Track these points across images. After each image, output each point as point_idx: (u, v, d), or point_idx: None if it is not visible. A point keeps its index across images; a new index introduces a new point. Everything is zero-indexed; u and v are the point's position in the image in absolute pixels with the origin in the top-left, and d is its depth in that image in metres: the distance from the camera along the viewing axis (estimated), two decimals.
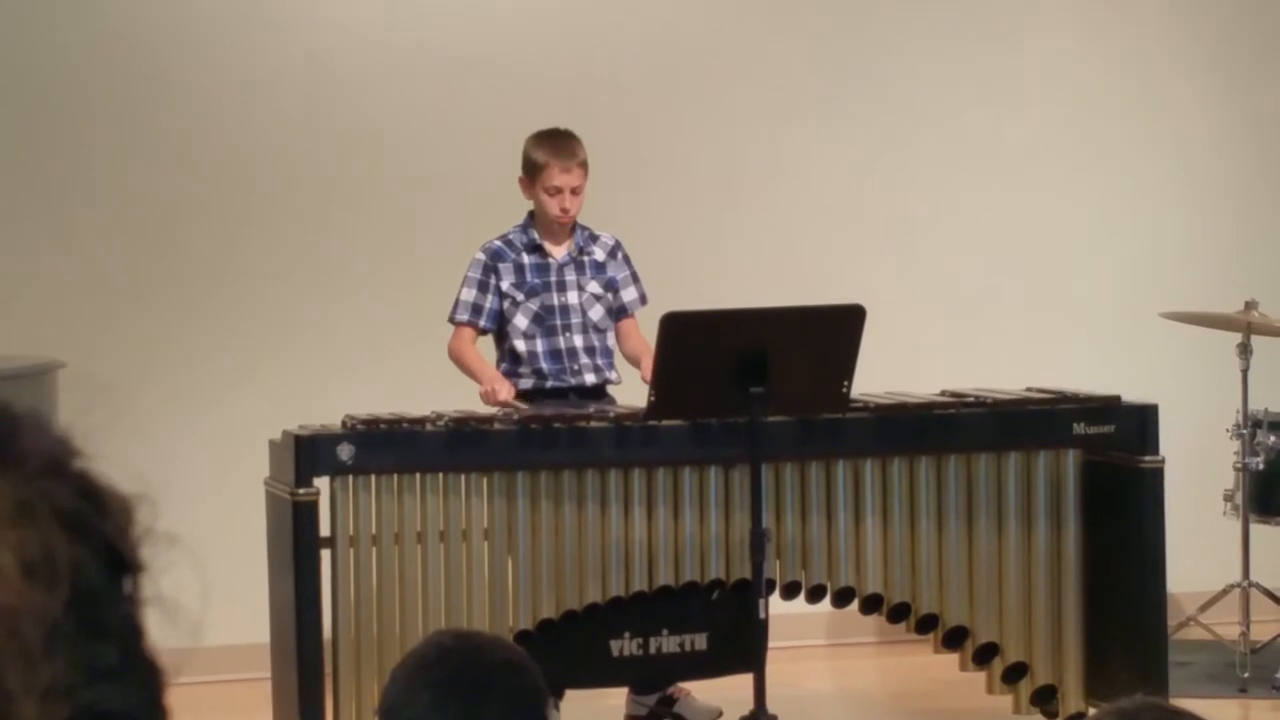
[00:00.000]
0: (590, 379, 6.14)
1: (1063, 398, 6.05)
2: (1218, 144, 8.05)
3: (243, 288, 7.27)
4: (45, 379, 6.22)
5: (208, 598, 0.98)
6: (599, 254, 6.25)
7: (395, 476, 5.54)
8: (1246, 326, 6.78)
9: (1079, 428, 5.94)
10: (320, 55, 7.31)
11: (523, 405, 5.86)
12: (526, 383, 6.11)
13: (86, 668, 0.84)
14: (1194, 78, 8.02)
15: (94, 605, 0.84)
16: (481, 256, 6.17)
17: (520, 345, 6.11)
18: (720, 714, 6.08)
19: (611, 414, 5.73)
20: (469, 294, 6.14)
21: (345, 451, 5.49)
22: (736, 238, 7.64)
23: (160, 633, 0.92)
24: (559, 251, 6.19)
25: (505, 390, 5.90)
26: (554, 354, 6.12)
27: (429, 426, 5.61)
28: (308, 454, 5.48)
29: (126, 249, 7.17)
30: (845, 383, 5.51)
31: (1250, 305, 6.80)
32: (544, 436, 5.64)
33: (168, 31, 7.20)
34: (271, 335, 7.27)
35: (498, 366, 6.16)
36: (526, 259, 6.16)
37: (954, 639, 5.96)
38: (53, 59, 7.11)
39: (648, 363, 6.07)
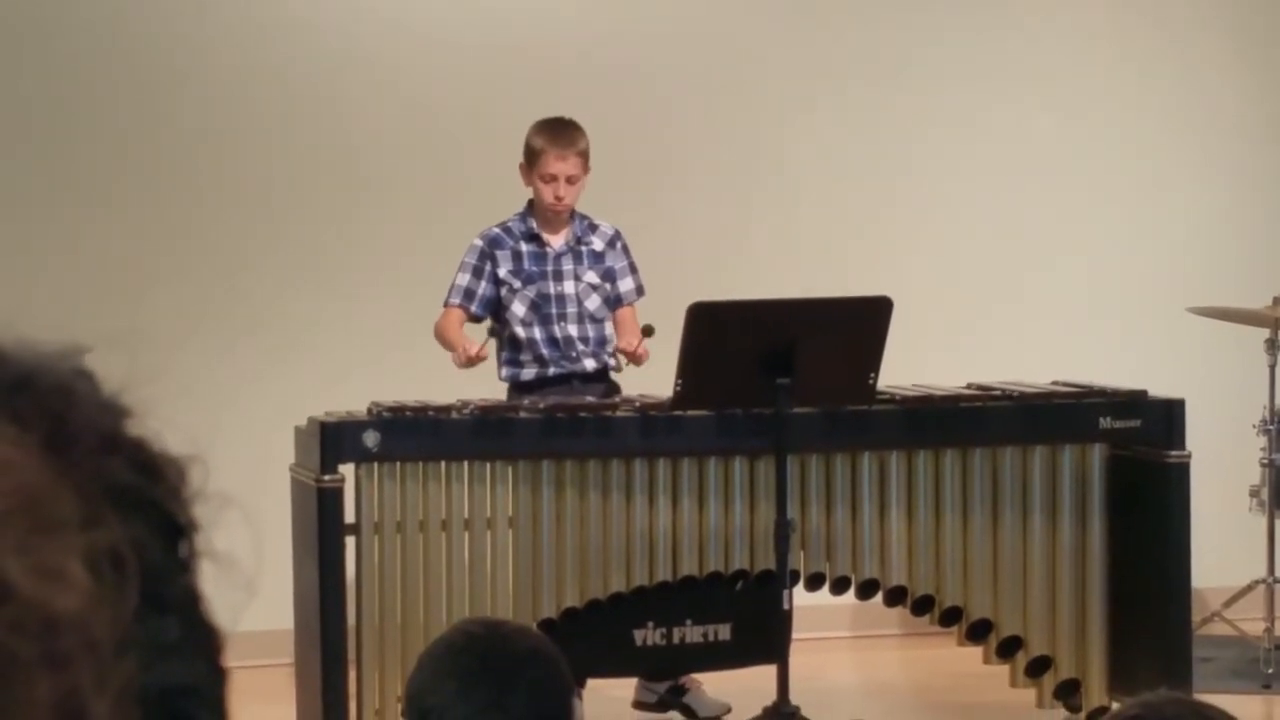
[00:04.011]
0: (590, 364, 6.15)
1: (1089, 392, 6.04)
2: (1248, 139, 8.02)
3: (268, 275, 7.27)
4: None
5: (259, 552, 0.98)
6: (597, 244, 6.25)
7: (421, 464, 5.55)
8: (1275, 322, 6.76)
9: (1105, 422, 5.93)
10: (343, 46, 7.31)
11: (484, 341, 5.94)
12: (530, 370, 6.13)
13: (150, 646, 0.84)
14: (1224, 72, 7.99)
15: (155, 582, 0.85)
16: (479, 243, 6.19)
17: (520, 332, 6.13)
18: (729, 710, 6.07)
19: (637, 403, 5.73)
20: (463, 279, 6.16)
21: (371, 439, 5.49)
22: (764, 229, 7.63)
23: (214, 588, 0.92)
24: (556, 240, 6.19)
25: (475, 346, 5.92)
26: (552, 341, 6.13)
27: (455, 414, 5.61)
28: (333, 441, 5.48)
29: (149, 237, 7.18)
30: (872, 375, 5.50)
31: (1279, 301, 6.78)
32: (569, 425, 5.64)
33: (188, 23, 7.20)
34: (297, 322, 7.28)
35: (499, 355, 6.19)
36: (524, 247, 6.17)
37: (978, 632, 5.95)
38: (72, 53, 7.12)
39: (625, 340, 6.05)
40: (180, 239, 7.21)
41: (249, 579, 0.92)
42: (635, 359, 6.02)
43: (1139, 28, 7.94)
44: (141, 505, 0.86)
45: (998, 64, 7.81)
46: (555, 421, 5.63)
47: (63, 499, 0.82)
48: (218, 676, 0.90)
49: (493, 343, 6.20)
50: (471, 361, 5.92)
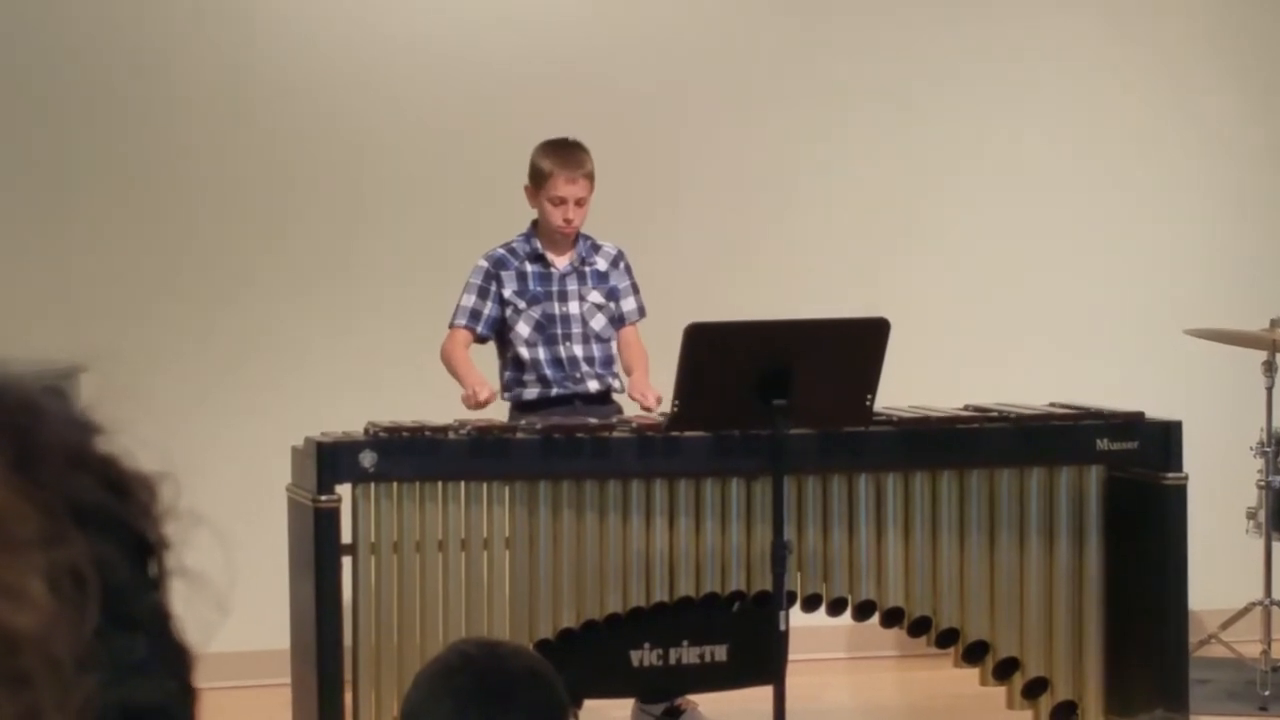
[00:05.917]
0: (594, 386, 6.17)
1: (1086, 414, 6.04)
2: (1245, 160, 8.02)
3: (266, 294, 7.27)
4: (67, 384, 6.23)
5: (232, 571, 0.98)
6: (601, 264, 6.27)
7: (417, 484, 5.55)
8: (1271, 344, 6.76)
9: (1102, 444, 5.93)
10: (341, 66, 7.31)
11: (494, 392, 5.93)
12: (532, 391, 6.14)
13: (116, 664, 0.84)
14: (1221, 92, 8.00)
15: (122, 600, 0.84)
16: (484, 264, 6.20)
17: (524, 353, 6.14)
18: None
19: (634, 425, 5.73)
20: (469, 300, 6.18)
21: (368, 459, 5.49)
22: (761, 250, 7.63)
23: (186, 607, 0.92)
24: (561, 261, 6.21)
25: (486, 392, 5.93)
26: (556, 362, 6.14)
27: (451, 435, 5.61)
28: (330, 461, 5.48)
29: (148, 255, 7.18)
30: (869, 396, 5.49)
31: (1276, 323, 6.78)
32: (566, 446, 5.63)
33: (185, 41, 7.20)
34: (295, 342, 7.27)
35: (502, 375, 6.19)
36: (529, 268, 6.18)
37: (975, 653, 5.95)
38: (67, 69, 7.12)
39: (638, 375, 6.09)
40: (178, 258, 7.20)
41: (222, 597, 0.92)
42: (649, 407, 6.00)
43: (1136, 53, 7.94)
44: (109, 523, 0.86)
45: (995, 87, 7.82)
46: (552, 442, 5.63)
47: (26, 516, 0.82)
48: (186, 695, 0.89)
49: (495, 365, 6.21)
50: (481, 406, 5.92)
